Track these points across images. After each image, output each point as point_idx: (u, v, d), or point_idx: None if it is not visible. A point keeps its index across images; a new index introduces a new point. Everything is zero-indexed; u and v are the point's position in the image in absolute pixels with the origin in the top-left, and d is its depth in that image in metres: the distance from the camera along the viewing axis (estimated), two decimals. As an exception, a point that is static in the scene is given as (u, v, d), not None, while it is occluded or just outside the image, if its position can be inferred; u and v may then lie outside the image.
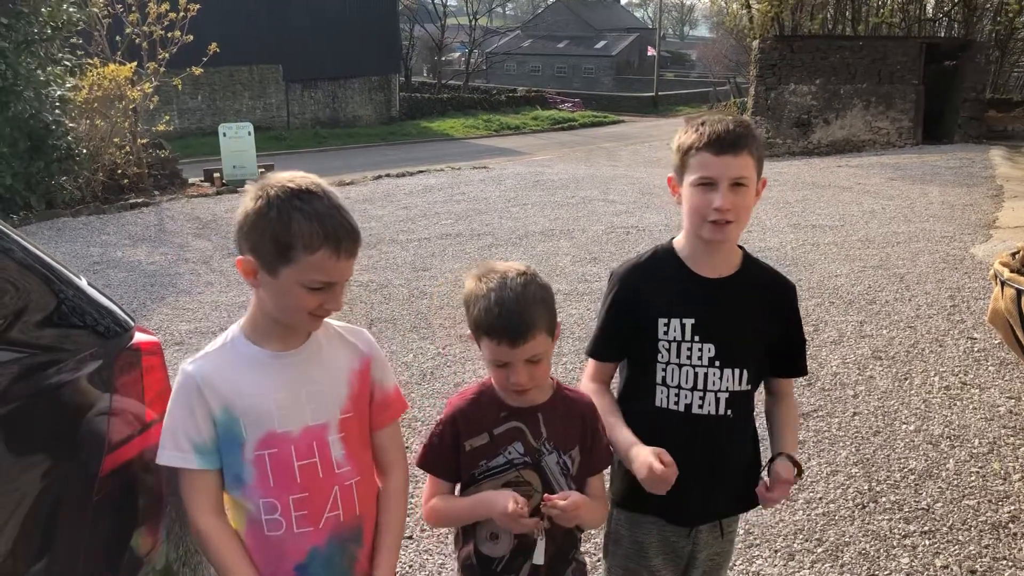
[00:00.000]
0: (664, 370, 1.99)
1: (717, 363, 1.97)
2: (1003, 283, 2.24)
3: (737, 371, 1.99)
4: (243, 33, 27.49)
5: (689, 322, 1.96)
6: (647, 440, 1.91)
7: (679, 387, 1.98)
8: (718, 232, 1.91)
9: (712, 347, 1.97)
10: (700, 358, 1.97)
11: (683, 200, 1.96)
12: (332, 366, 1.80)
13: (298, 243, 1.58)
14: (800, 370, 2.13)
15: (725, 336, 1.98)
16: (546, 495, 1.80)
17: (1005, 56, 23.76)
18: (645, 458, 1.84)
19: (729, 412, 2.00)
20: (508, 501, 1.75)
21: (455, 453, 1.88)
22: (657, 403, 2.00)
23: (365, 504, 1.84)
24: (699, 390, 1.98)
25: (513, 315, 1.74)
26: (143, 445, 1.81)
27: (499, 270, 1.82)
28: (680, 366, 1.98)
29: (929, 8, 24.46)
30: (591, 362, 2.12)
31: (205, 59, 13.19)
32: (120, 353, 1.82)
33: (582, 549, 2.04)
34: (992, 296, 2.39)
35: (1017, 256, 2.41)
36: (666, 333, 1.97)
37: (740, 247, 2.07)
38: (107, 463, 1.69)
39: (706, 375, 1.98)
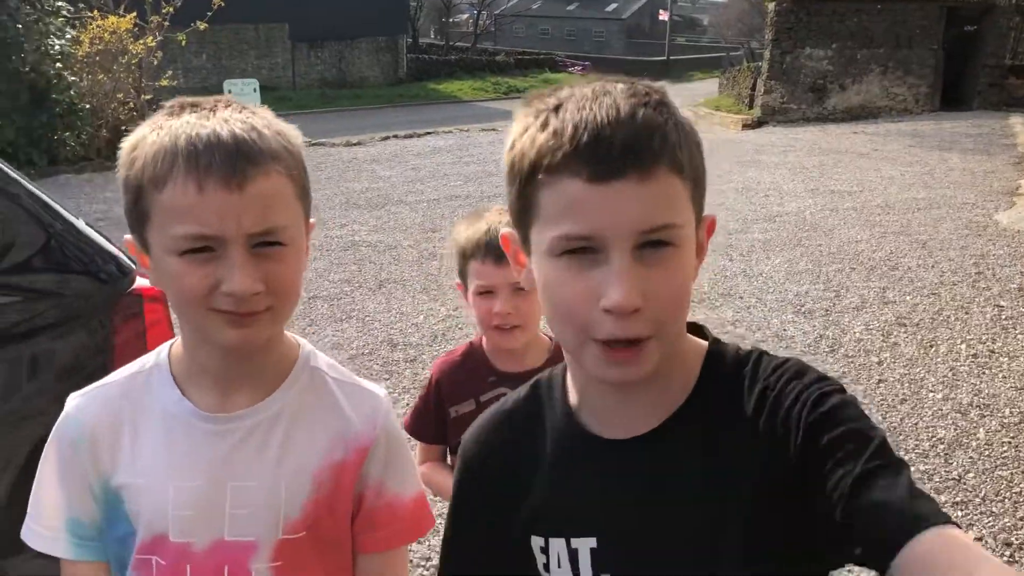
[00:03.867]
0: None
1: None
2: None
3: None
4: (249, -10, 27.05)
5: (587, 545, 0.92)
6: None
7: None
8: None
9: None
10: None
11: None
12: (294, 449, 1.08)
13: (144, 176, 0.95)
14: (915, 520, 0.72)
15: (661, 560, 0.88)
16: None
17: (1025, 22, 23.29)
18: None
19: None
20: None
21: (440, 418, 1.80)
22: None
23: None
24: None
25: (496, 235, 1.65)
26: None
27: (492, 209, 1.74)
28: None
29: (949, -28, 23.96)
30: None
31: (210, 14, 12.92)
32: (120, 299, 1.68)
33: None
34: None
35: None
36: (547, 566, 0.95)
37: (704, 340, 0.97)
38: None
39: None
